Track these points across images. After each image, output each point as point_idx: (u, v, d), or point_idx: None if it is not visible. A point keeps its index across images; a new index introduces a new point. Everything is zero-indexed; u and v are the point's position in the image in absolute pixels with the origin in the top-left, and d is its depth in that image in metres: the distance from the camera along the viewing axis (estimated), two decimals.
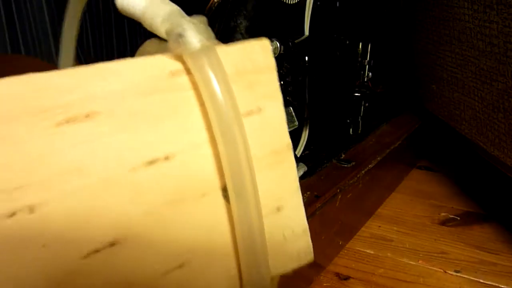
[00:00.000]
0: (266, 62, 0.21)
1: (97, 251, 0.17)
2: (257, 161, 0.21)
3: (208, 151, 0.20)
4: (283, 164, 0.22)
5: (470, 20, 0.40)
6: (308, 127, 0.44)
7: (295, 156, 0.43)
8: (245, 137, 0.19)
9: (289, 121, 0.40)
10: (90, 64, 0.18)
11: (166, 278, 0.19)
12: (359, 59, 0.51)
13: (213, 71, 0.19)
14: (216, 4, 0.37)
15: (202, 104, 0.20)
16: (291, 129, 0.40)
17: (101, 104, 0.18)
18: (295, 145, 0.44)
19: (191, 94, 0.20)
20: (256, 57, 0.21)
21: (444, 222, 0.51)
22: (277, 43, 0.39)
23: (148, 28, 0.20)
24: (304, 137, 0.44)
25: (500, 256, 0.45)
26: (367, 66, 0.52)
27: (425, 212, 0.53)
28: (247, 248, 0.20)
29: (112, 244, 0.18)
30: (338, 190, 0.41)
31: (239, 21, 0.43)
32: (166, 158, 0.19)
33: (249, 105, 0.21)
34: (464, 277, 0.42)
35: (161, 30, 0.21)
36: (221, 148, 0.19)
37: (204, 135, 0.20)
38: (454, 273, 0.42)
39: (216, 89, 0.19)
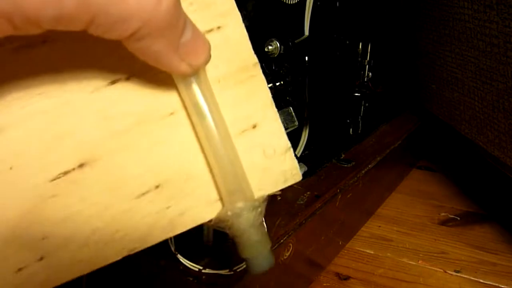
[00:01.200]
0: None
1: (65, 173, 0.18)
2: (223, 79, 0.21)
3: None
4: (253, 81, 0.22)
5: (470, 20, 0.40)
6: (308, 127, 0.44)
7: (295, 156, 0.43)
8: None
9: (289, 121, 0.40)
10: None
11: (143, 199, 0.19)
12: (359, 59, 0.51)
13: None
14: None
15: None
16: (291, 129, 0.40)
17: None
18: (295, 145, 0.44)
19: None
20: None
21: (444, 222, 0.51)
22: (277, 43, 0.39)
23: None
24: (304, 137, 0.44)
25: (500, 256, 0.45)
26: (367, 66, 0.52)
27: (425, 212, 0.53)
28: (221, 168, 0.20)
29: (81, 165, 0.18)
30: (338, 190, 0.41)
31: None
32: (127, 78, 0.19)
33: (207, 24, 0.21)
34: (464, 277, 0.42)
35: None
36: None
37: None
38: (454, 273, 0.42)
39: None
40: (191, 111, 0.20)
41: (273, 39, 0.40)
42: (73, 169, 0.18)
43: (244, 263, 0.28)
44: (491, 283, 0.41)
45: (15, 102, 0.17)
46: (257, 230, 0.21)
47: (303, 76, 0.40)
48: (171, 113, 0.20)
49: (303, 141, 0.44)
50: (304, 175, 0.42)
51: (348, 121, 0.53)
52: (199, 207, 0.21)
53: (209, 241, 0.31)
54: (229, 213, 0.21)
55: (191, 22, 0.18)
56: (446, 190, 0.58)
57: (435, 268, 0.43)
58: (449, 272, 0.42)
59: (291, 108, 0.39)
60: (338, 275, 0.42)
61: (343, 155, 0.48)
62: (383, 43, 0.55)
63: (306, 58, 0.39)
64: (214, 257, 0.31)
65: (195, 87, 0.19)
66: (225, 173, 0.20)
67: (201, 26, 0.20)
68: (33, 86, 0.18)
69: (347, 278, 0.42)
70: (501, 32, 0.36)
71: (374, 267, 0.43)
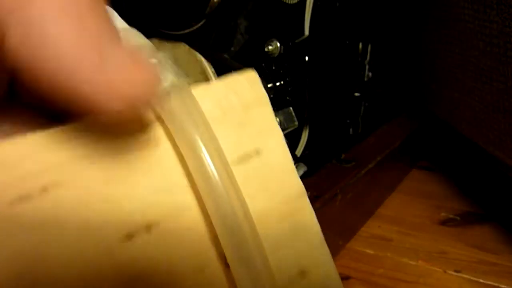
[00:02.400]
0: (255, 94, 0.18)
1: None
2: (264, 215, 0.17)
3: (197, 212, 0.16)
4: (300, 216, 0.18)
5: (470, 20, 0.40)
6: (308, 127, 0.44)
7: (295, 156, 0.43)
8: (239, 194, 0.16)
9: (289, 121, 0.40)
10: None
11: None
12: (359, 59, 0.51)
13: (187, 114, 0.15)
14: (216, 4, 0.37)
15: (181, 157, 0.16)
16: (291, 129, 0.40)
17: (61, 173, 0.14)
18: (295, 145, 0.44)
19: (167, 146, 0.16)
20: (242, 91, 0.18)
21: (444, 222, 0.51)
22: (277, 43, 0.39)
23: None
24: (304, 137, 0.44)
25: (500, 256, 0.45)
26: (367, 66, 0.52)
27: (425, 212, 0.53)
28: None
29: None
30: (338, 190, 0.41)
31: (239, 21, 0.43)
32: (148, 228, 0.15)
33: (243, 147, 0.17)
34: (464, 277, 0.42)
35: None
36: (211, 211, 0.16)
37: (190, 195, 0.16)
38: (454, 273, 0.42)
39: (194, 139, 0.15)
40: (233, 262, 0.15)
41: (273, 39, 0.40)
42: None
43: None
44: (491, 283, 0.41)
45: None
46: None
47: (303, 76, 0.40)
48: (202, 268, 0.16)
49: (303, 141, 0.44)
50: (304, 175, 0.42)
51: (348, 121, 0.53)
52: None
53: None
54: None
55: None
56: (446, 190, 0.58)
57: (435, 268, 0.43)
58: (449, 272, 0.42)
59: (291, 108, 0.39)
60: None
61: (343, 155, 0.48)
62: (383, 43, 0.55)
63: (306, 58, 0.39)
64: None
65: (239, 232, 0.15)
66: None
67: (235, 151, 0.17)
68: (34, 250, 0.13)
69: (347, 278, 0.42)
70: (501, 32, 0.36)
71: (374, 267, 0.43)
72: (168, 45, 0.43)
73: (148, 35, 0.47)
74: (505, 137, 0.40)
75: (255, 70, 0.18)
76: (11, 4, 0.11)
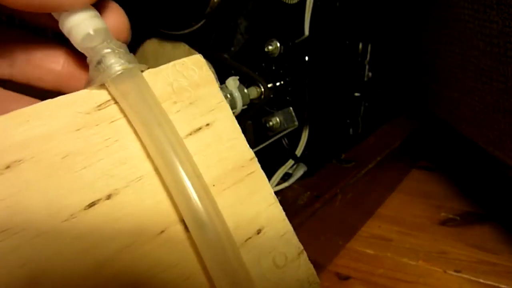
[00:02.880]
0: (202, 76, 0.21)
1: None
2: (218, 181, 0.19)
3: (155, 181, 0.18)
4: (251, 179, 0.20)
5: (470, 20, 0.40)
6: (308, 127, 0.44)
7: (295, 156, 0.43)
8: (192, 162, 0.17)
9: (289, 121, 0.40)
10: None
11: None
12: (359, 59, 0.51)
13: (140, 94, 0.17)
14: (216, 4, 0.37)
15: (137, 132, 0.18)
16: (291, 129, 0.40)
17: (24, 151, 0.16)
18: (295, 145, 0.44)
19: (123, 123, 0.18)
20: (190, 73, 0.20)
21: (444, 222, 0.51)
22: (277, 43, 0.39)
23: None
24: (304, 137, 0.44)
25: (500, 256, 0.45)
26: (367, 66, 0.52)
27: (425, 212, 0.53)
28: (225, 283, 0.17)
29: None
30: (338, 190, 0.41)
31: (239, 21, 0.43)
32: (109, 197, 0.17)
33: (195, 122, 0.19)
34: (464, 277, 0.42)
35: (79, 48, 0.19)
36: (167, 179, 0.17)
37: (147, 165, 0.18)
38: (454, 273, 0.42)
39: (146, 115, 0.17)
40: (190, 224, 0.17)
41: (273, 39, 0.40)
42: None
43: None
44: (491, 283, 0.41)
45: None
46: None
47: (303, 76, 0.40)
48: (162, 231, 0.17)
49: (303, 141, 0.44)
50: (304, 175, 0.42)
51: (348, 121, 0.53)
52: None
53: None
54: None
55: None
56: (446, 190, 0.58)
57: (435, 268, 0.43)
58: (449, 272, 0.42)
59: (291, 108, 0.39)
60: (338, 275, 0.42)
61: (343, 155, 0.48)
62: (383, 43, 0.55)
63: (306, 58, 0.39)
64: None
65: (191, 193, 0.17)
66: None
67: (188, 127, 0.19)
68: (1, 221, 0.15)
69: (347, 278, 0.42)
70: (501, 32, 0.36)
71: (374, 267, 0.43)
72: (168, 45, 0.43)
73: (148, 35, 0.48)
74: (505, 137, 0.40)
75: (200, 55, 0.21)
76: None
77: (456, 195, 0.57)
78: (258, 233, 0.19)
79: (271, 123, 0.40)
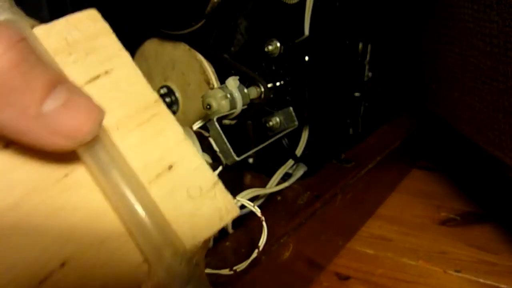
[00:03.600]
0: (97, 28, 0.21)
1: None
2: (122, 124, 0.20)
3: None
4: (157, 119, 0.21)
5: (470, 20, 0.40)
6: (308, 127, 0.44)
7: (295, 156, 0.43)
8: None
9: (289, 121, 0.40)
10: None
11: (48, 284, 0.16)
12: (359, 59, 0.51)
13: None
14: (216, 4, 0.37)
15: None
16: (291, 129, 0.40)
17: None
18: (295, 145, 0.44)
19: None
20: (84, 27, 0.20)
21: (444, 222, 0.51)
22: (277, 43, 0.39)
23: None
24: (304, 137, 0.44)
25: (500, 256, 0.45)
26: (367, 66, 0.52)
27: (425, 212, 0.53)
28: (137, 225, 0.17)
29: None
30: (338, 190, 0.41)
31: (239, 21, 0.43)
32: (6, 146, 0.17)
33: (93, 71, 0.20)
34: (464, 277, 0.42)
35: None
36: None
37: None
38: (454, 273, 0.42)
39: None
40: (90, 168, 0.18)
41: (273, 39, 0.40)
42: None
43: (244, 262, 0.28)
44: (491, 283, 0.41)
45: None
46: (197, 286, 0.18)
47: (303, 76, 0.40)
48: (66, 175, 0.18)
49: (303, 141, 0.44)
50: (304, 175, 0.42)
51: (348, 121, 0.53)
52: (122, 275, 0.18)
53: None
54: (158, 273, 0.17)
55: (68, 87, 0.16)
56: (446, 190, 0.58)
57: (435, 268, 0.43)
58: (449, 272, 0.42)
59: (291, 108, 0.39)
60: (338, 275, 0.42)
61: (343, 155, 0.48)
62: (383, 43, 0.55)
63: (306, 58, 0.39)
64: (214, 257, 0.31)
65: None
66: (143, 228, 0.17)
67: (86, 75, 0.19)
68: None
69: (347, 278, 0.42)
70: (501, 32, 0.36)
71: (374, 267, 0.43)
72: (168, 45, 0.43)
73: (148, 35, 0.48)
74: (505, 137, 0.40)
75: (95, 9, 0.21)
76: None
77: (456, 195, 0.57)
78: (170, 169, 0.20)
79: (271, 123, 0.40)
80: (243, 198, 0.31)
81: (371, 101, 0.55)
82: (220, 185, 0.21)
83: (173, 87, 0.43)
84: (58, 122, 0.15)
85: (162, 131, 0.20)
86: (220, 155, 0.33)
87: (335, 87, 0.46)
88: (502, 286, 0.40)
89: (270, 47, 0.40)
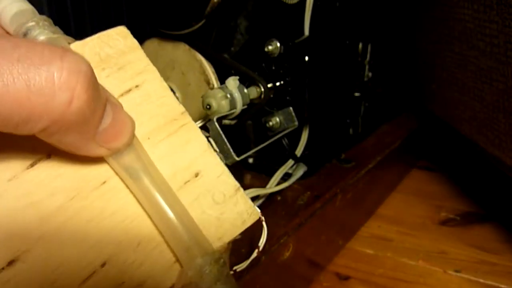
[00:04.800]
0: (127, 44, 0.22)
1: None
2: (152, 135, 0.21)
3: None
4: (184, 130, 0.22)
5: (470, 20, 0.40)
6: (308, 127, 0.44)
7: (295, 156, 0.43)
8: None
9: (289, 121, 0.40)
10: None
11: (90, 284, 0.17)
12: (359, 59, 0.51)
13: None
14: (216, 4, 0.37)
15: None
16: (291, 129, 0.40)
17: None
18: (295, 145, 0.44)
19: None
20: (115, 43, 0.22)
21: (444, 222, 0.51)
22: (277, 43, 0.39)
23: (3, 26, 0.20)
24: (304, 137, 0.44)
25: (500, 256, 0.45)
26: (367, 66, 0.52)
27: (425, 212, 0.53)
28: (169, 228, 0.19)
29: (11, 263, 0.16)
30: (338, 190, 0.41)
31: (239, 21, 0.43)
32: (48, 156, 0.18)
33: (125, 85, 0.21)
34: (464, 277, 0.42)
35: (10, 30, 0.20)
36: None
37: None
38: (454, 273, 0.42)
39: None
40: (123, 176, 0.19)
41: (273, 39, 0.40)
42: (2, 269, 0.16)
43: (244, 262, 0.28)
44: (491, 283, 0.41)
45: None
46: (225, 284, 0.19)
47: (303, 76, 0.40)
48: (104, 182, 0.19)
49: (303, 141, 0.44)
50: (304, 175, 0.42)
51: (348, 121, 0.53)
52: (156, 275, 0.19)
53: None
54: (189, 273, 0.19)
55: (112, 104, 0.17)
56: (446, 190, 0.58)
57: (435, 268, 0.43)
58: (449, 272, 0.42)
59: (291, 108, 0.39)
60: (338, 275, 0.42)
61: (343, 155, 0.48)
62: (383, 43, 0.55)
63: (306, 58, 0.39)
64: None
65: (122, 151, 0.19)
66: (175, 231, 0.19)
67: (118, 89, 0.21)
68: None
69: (347, 278, 0.42)
70: (501, 32, 0.36)
71: (374, 267, 0.43)
72: (168, 45, 0.43)
73: (148, 35, 0.47)
74: (505, 137, 0.40)
75: (124, 27, 0.22)
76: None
77: (456, 195, 0.57)
78: (196, 176, 0.21)
79: (271, 123, 0.40)
80: None
81: (371, 101, 0.55)
82: (242, 191, 0.22)
83: (173, 87, 0.43)
84: (106, 138, 0.17)
85: (189, 141, 0.22)
86: (220, 155, 0.33)
87: (335, 87, 0.46)
88: (502, 286, 0.40)
89: (270, 47, 0.40)
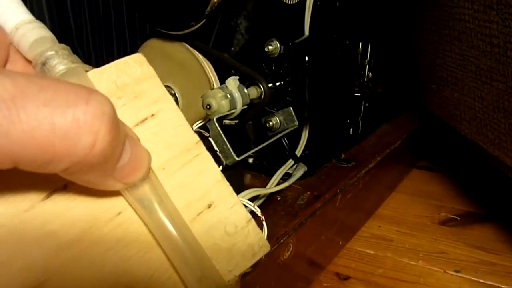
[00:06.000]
0: (144, 72, 0.22)
1: None
2: (168, 165, 0.21)
3: None
4: (199, 160, 0.22)
5: (470, 20, 0.40)
6: (308, 127, 0.44)
7: (295, 156, 0.43)
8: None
9: (289, 121, 0.40)
10: None
11: None
12: (359, 59, 0.51)
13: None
14: (216, 4, 0.37)
15: None
16: (291, 129, 0.40)
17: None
18: (295, 145, 0.44)
19: None
20: (132, 71, 0.21)
21: (444, 222, 0.51)
22: (277, 43, 0.39)
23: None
24: (304, 137, 0.44)
25: (500, 256, 0.45)
26: (367, 66, 0.52)
27: (425, 212, 0.53)
28: (181, 260, 0.19)
29: None
30: (338, 190, 0.41)
31: (239, 21, 0.43)
32: (64, 187, 0.18)
33: (141, 114, 0.21)
34: (464, 277, 0.42)
35: (29, 57, 0.20)
36: None
37: None
38: (454, 273, 0.42)
39: None
40: (137, 208, 0.19)
41: (273, 39, 0.40)
42: None
43: None
44: (491, 283, 0.41)
45: None
46: None
47: (303, 76, 0.40)
48: (119, 213, 0.19)
49: (303, 141, 0.44)
50: (304, 175, 0.42)
51: (348, 121, 0.53)
52: None
53: None
54: None
55: (130, 139, 0.17)
56: (446, 190, 0.58)
57: (435, 268, 0.43)
58: (449, 272, 0.42)
59: (291, 108, 0.39)
60: (338, 275, 0.42)
61: (343, 155, 0.48)
62: (383, 43, 0.55)
63: (306, 58, 0.39)
64: None
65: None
66: (187, 263, 0.19)
67: (134, 118, 0.20)
68: None
69: (347, 278, 0.42)
70: (501, 32, 0.36)
71: (374, 267, 0.43)
72: (168, 45, 0.43)
73: (148, 35, 0.47)
74: (505, 137, 0.40)
75: (141, 54, 0.22)
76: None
77: (456, 195, 0.57)
78: (209, 207, 0.21)
79: (271, 123, 0.40)
80: (243, 198, 0.31)
81: (371, 101, 0.55)
82: (253, 223, 0.22)
83: (173, 87, 0.43)
84: (123, 173, 0.17)
85: (203, 171, 0.22)
86: (220, 155, 0.33)
87: (335, 87, 0.46)
88: (502, 286, 0.40)
89: (270, 47, 0.40)
